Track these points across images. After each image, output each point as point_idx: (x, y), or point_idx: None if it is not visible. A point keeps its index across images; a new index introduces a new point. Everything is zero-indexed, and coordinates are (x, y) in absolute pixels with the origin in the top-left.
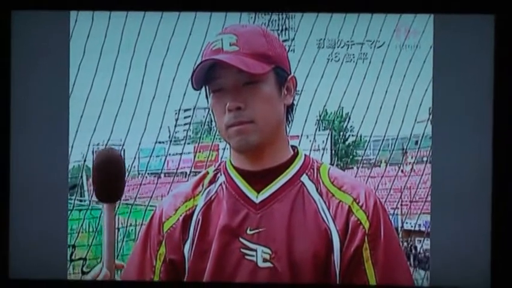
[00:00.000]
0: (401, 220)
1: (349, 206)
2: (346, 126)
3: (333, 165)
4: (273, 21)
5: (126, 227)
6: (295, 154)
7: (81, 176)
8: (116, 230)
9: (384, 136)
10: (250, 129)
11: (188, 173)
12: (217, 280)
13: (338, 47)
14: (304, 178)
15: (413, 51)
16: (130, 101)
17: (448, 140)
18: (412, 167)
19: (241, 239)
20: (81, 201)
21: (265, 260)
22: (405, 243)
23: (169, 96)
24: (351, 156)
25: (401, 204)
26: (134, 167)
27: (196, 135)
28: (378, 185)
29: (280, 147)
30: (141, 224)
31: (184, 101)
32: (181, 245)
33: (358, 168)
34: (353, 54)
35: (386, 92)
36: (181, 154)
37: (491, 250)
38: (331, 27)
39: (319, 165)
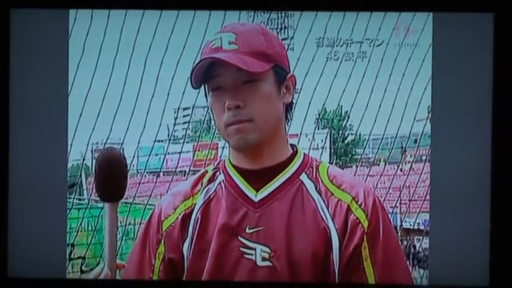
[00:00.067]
0: (400, 219)
1: (348, 205)
2: (345, 125)
3: (332, 163)
4: (272, 20)
5: (125, 225)
6: (294, 153)
7: (80, 175)
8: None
9: (383, 135)
10: (249, 128)
11: (187, 171)
12: (216, 279)
13: (337, 45)
14: (303, 177)
15: (412, 50)
16: (130, 100)
17: (447, 139)
18: (411, 165)
19: (240, 238)
20: (80, 200)
21: (264, 259)
22: (404, 242)
23: (168, 95)
24: (350, 155)
25: (400, 203)
26: (133, 165)
27: (195, 133)
28: (377, 184)
29: (279, 146)
30: (140, 223)
31: (183, 100)
32: (180, 243)
33: (357, 166)
34: (352, 53)
35: (385, 90)
36: (180, 153)
37: (490, 248)
38: (330, 25)
39: (318, 164)
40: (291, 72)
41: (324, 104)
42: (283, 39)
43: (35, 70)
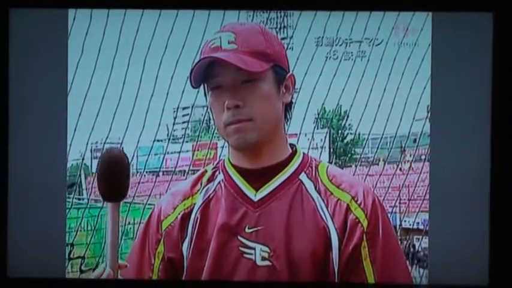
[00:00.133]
0: (400, 218)
1: (348, 204)
2: (344, 125)
3: (331, 163)
4: (271, 19)
5: (125, 225)
6: (294, 152)
7: (80, 175)
8: None
9: (382, 134)
10: (248, 127)
11: (187, 171)
12: (216, 278)
13: (336, 45)
14: (303, 176)
15: (411, 49)
16: (129, 99)
17: (447, 138)
18: (411, 165)
19: (239, 237)
20: (79, 199)
21: (263, 258)
22: (403, 242)
23: (167, 94)
24: (349, 155)
25: (399, 203)
26: (132, 165)
27: (194, 133)
28: (376, 183)
29: (278, 146)
30: (140, 223)
31: (182, 99)
32: (179, 243)
33: (356, 166)
34: (351, 52)
35: (384, 90)
36: (179, 152)
37: (490, 248)
38: (330, 25)
39: (317, 164)
40: (291, 72)
41: (323, 104)
42: (283, 38)
43: (34, 70)
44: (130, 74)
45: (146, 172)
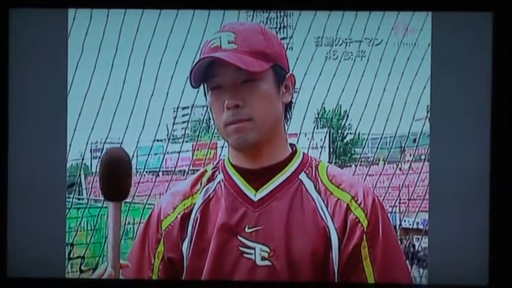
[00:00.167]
0: (400, 218)
1: (348, 204)
2: (344, 124)
3: (331, 163)
4: (271, 19)
5: (125, 225)
6: (294, 152)
7: (80, 174)
8: None
9: (382, 134)
10: (248, 127)
11: (186, 171)
12: (216, 278)
13: (336, 44)
14: (303, 176)
15: (411, 49)
16: (129, 99)
17: (446, 138)
18: (410, 165)
19: (239, 237)
20: (79, 199)
21: (263, 258)
22: (403, 242)
23: (167, 94)
24: (349, 154)
25: (399, 202)
26: (132, 165)
27: (194, 133)
28: (376, 183)
29: (278, 145)
30: (139, 223)
31: (182, 99)
32: (179, 243)
33: (356, 166)
34: (351, 52)
35: (384, 90)
36: (179, 152)
37: (489, 247)
38: (329, 25)
39: (317, 163)
40: (290, 72)
41: (323, 104)
42: (282, 38)
43: (34, 70)
44: (130, 73)
45: (146, 172)
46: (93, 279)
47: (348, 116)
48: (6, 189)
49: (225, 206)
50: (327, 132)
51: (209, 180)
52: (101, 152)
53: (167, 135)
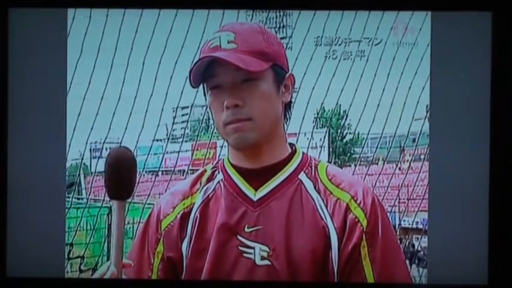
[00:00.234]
0: (399, 218)
1: (347, 204)
2: (343, 124)
3: (330, 162)
4: (270, 19)
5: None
6: (293, 152)
7: (79, 174)
8: None
9: (382, 134)
10: (248, 127)
11: (186, 170)
12: (215, 278)
13: (335, 44)
14: (302, 176)
15: (410, 49)
16: (128, 99)
17: (446, 138)
18: (410, 164)
19: (239, 237)
20: (78, 199)
21: (263, 258)
22: (403, 241)
23: (166, 94)
24: (348, 154)
25: (398, 202)
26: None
27: (194, 133)
28: (376, 183)
29: (278, 145)
30: (139, 222)
31: (182, 99)
32: (179, 243)
33: (355, 166)
34: (350, 52)
35: (383, 89)
36: (179, 152)
37: (489, 247)
38: (329, 24)
39: (317, 163)
40: (290, 71)
41: (322, 103)
42: (282, 38)
43: (33, 69)
44: (130, 73)
45: (145, 172)
46: (93, 279)
47: (347, 116)
48: (5, 189)
49: (225, 206)
50: (326, 132)
51: (209, 180)
52: (101, 152)
53: (166, 135)
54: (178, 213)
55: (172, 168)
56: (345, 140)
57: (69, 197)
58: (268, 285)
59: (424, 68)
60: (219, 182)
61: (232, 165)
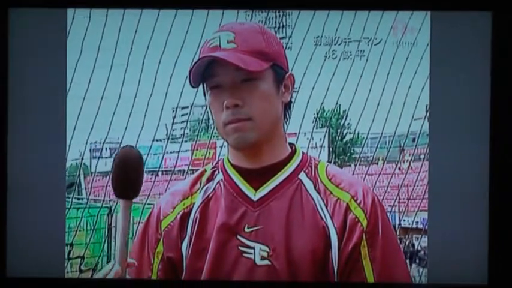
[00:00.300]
0: (399, 217)
1: (347, 204)
2: (343, 124)
3: (330, 162)
4: (270, 19)
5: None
6: (293, 152)
7: (79, 174)
8: (114, 228)
9: (381, 133)
10: (247, 127)
11: (186, 170)
12: (215, 278)
13: (335, 44)
14: (302, 176)
15: (410, 48)
16: (128, 99)
17: (446, 137)
18: (410, 164)
19: (239, 237)
20: (78, 199)
21: (263, 258)
22: (403, 241)
23: (166, 94)
24: (348, 154)
25: (398, 202)
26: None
27: (193, 133)
28: (376, 183)
29: (278, 145)
30: (139, 222)
31: (181, 99)
32: (179, 243)
33: (355, 165)
34: (350, 52)
35: (383, 89)
36: (178, 152)
37: (489, 247)
38: (328, 24)
39: (317, 163)
40: (290, 71)
41: (322, 103)
42: (281, 38)
43: (33, 69)
44: (130, 73)
45: (145, 172)
46: (93, 279)
47: (347, 116)
48: (5, 189)
49: (225, 206)
50: (326, 132)
51: (209, 180)
52: (100, 152)
53: (166, 135)
54: (178, 213)
55: (172, 168)
56: (344, 140)
57: (69, 197)
58: (268, 285)
59: (424, 67)
60: (219, 182)
61: (232, 165)
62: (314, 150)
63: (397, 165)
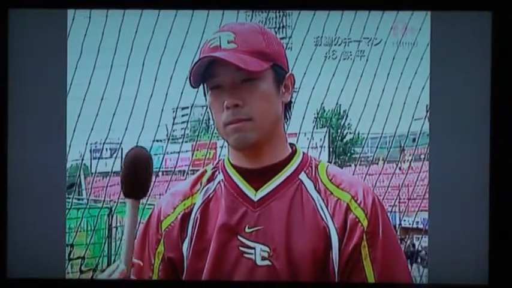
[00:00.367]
0: (399, 218)
1: (348, 204)
2: (343, 124)
3: (330, 162)
4: (270, 19)
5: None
6: (294, 152)
7: (79, 175)
8: (114, 229)
9: (382, 133)
10: (248, 127)
11: (186, 171)
12: (216, 278)
13: (335, 44)
14: (303, 176)
15: (410, 49)
16: (128, 100)
17: (446, 137)
18: (410, 164)
19: (239, 237)
20: (79, 200)
21: (263, 258)
22: (403, 241)
23: (166, 94)
24: (348, 154)
25: (399, 202)
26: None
27: (194, 133)
28: (376, 183)
29: (278, 145)
30: (139, 223)
31: (182, 99)
32: (179, 243)
33: (356, 165)
34: (350, 52)
35: (383, 89)
36: (179, 152)
37: (490, 247)
38: (329, 24)
39: (317, 163)
40: (290, 71)
41: (322, 103)
42: (282, 38)
43: (33, 70)
44: (130, 74)
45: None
46: (94, 280)
47: (347, 116)
48: (5, 189)
49: (225, 206)
50: (326, 132)
51: (209, 180)
52: (101, 153)
53: (167, 135)
54: (179, 213)
55: (173, 169)
56: (345, 140)
57: (69, 198)
58: (268, 285)
59: (424, 67)
60: (219, 182)
61: (232, 165)
62: (314, 150)
63: (397, 165)
